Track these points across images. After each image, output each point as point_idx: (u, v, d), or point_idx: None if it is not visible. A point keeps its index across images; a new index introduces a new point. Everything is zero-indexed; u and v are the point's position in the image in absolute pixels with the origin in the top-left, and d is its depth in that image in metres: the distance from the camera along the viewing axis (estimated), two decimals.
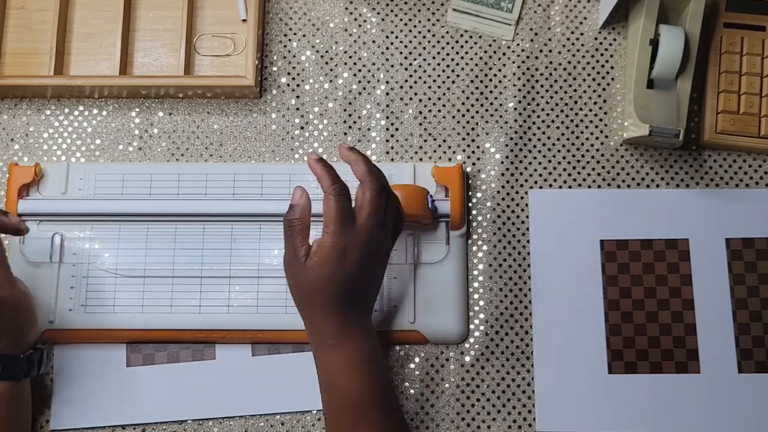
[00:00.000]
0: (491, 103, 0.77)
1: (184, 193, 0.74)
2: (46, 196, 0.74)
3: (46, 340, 0.71)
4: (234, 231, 0.73)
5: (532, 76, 0.78)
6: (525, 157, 0.76)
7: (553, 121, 0.77)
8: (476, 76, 0.78)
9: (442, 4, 0.79)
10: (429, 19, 0.79)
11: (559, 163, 0.76)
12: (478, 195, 0.75)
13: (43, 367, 0.69)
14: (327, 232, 0.62)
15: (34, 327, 0.69)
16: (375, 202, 0.63)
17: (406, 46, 0.79)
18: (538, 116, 0.77)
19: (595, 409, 0.71)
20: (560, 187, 0.76)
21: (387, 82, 0.78)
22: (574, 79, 0.78)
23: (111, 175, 0.75)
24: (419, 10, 0.79)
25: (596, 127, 0.77)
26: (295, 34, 0.79)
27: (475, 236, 0.75)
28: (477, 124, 0.77)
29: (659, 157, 0.76)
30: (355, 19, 0.79)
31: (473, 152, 0.76)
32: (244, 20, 0.78)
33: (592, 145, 0.77)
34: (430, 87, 0.78)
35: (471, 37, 0.79)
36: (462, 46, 0.78)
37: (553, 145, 0.77)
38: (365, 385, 0.62)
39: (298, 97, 0.78)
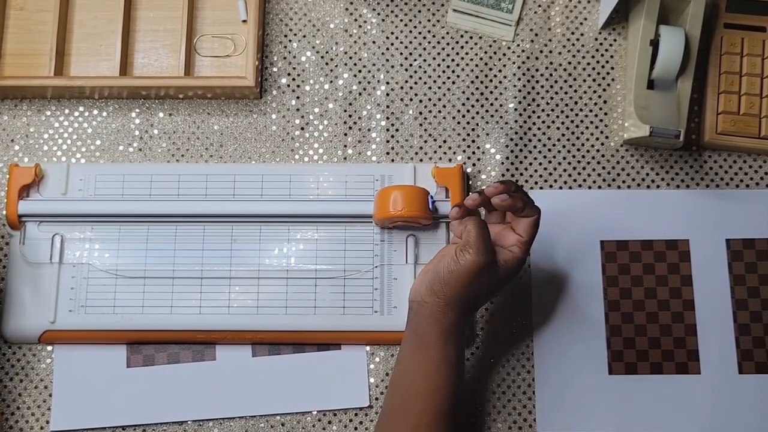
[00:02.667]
0: (491, 104, 0.77)
1: (185, 194, 0.74)
2: (47, 197, 0.74)
3: (47, 341, 0.72)
4: (234, 232, 0.73)
5: (532, 76, 0.78)
6: (525, 157, 0.76)
7: (553, 122, 0.77)
8: (476, 77, 0.78)
9: (443, 5, 0.79)
10: (429, 20, 0.79)
11: (560, 163, 0.76)
12: None
13: None
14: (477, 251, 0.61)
15: None
16: (534, 230, 0.63)
17: (406, 47, 0.78)
18: (538, 117, 0.77)
19: (595, 410, 0.71)
20: (560, 187, 0.76)
21: (387, 83, 0.78)
22: (575, 79, 0.78)
23: (111, 176, 0.75)
24: (419, 11, 0.79)
25: (596, 127, 0.77)
26: (295, 34, 0.79)
27: None
28: (477, 124, 0.77)
29: (659, 157, 0.76)
30: (356, 20, 0.79)
31: (473, 153, 0.76)
32: (244, 21, 0.78)
33: (592, 146, 0.77)
34: (430, 87, 0.78)
35: (471, 37, 0.79)
36: (462, 47, 0.78)
37: (554, 145, 0.76)
38: (446, 391, 0.62)
39: (298, 97, 0.78)
